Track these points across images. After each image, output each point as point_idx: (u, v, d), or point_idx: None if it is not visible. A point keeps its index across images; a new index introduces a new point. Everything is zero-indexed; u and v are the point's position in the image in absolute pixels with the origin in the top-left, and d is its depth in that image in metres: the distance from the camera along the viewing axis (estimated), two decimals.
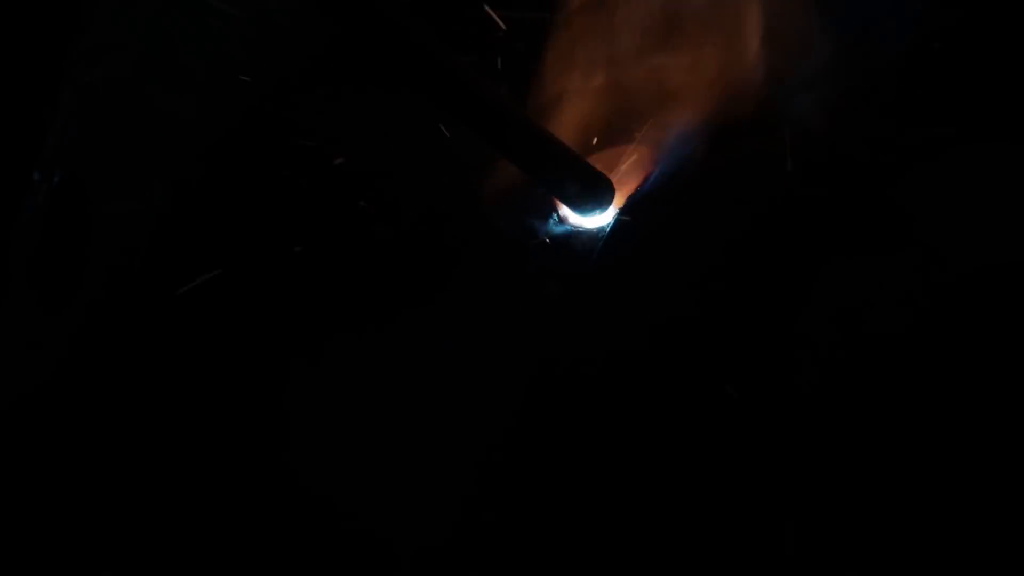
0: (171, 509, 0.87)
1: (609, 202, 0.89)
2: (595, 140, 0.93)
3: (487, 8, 0.92)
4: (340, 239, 0.92)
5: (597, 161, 0.90)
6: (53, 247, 1.09)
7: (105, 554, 0.86)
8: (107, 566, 0.86)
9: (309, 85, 0.94)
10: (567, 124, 0.91)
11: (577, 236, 0.91)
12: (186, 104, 1.00)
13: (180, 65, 1.00)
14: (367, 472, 0.86)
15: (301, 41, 0.93)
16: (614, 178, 0.90)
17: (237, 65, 0.95)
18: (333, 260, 0.92)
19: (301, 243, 0.91)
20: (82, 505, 0.88)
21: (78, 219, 1.10)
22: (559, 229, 0.91)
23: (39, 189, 1.12)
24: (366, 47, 0.76)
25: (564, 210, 0.90)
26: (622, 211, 0.91)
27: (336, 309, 0.91)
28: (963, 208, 0.83)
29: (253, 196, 0.95)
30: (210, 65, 0.97)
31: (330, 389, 0.89)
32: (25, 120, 1.10)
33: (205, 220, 0.95)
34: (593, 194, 0.87)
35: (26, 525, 0.88)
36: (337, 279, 0.92)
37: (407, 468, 0.86)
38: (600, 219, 0.90)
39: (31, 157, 1.08)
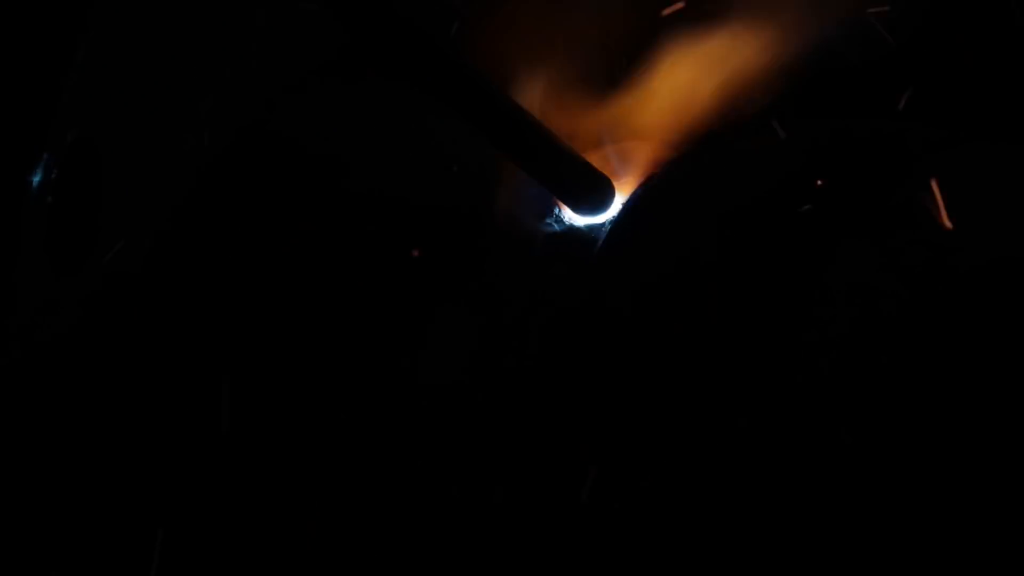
0: (174, 505, 0.88)
1: (610, 203, 0.89)
2: (598, 137, 0.91)
3: None
4: (348, 233, 0.93)
5: (601, 157, 0.91)
6: (66, 209, 1.10)
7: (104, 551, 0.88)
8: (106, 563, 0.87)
9: (320, 80, 0.94)
10: (569, 121, 0.90)
11: (579, 232, 0.91)
12: (201, 80, 1.00)
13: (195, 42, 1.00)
14: (374, 467, 0.87)
15: (314, 35, 0.93)
16: (619, 174, 0.91)
17: (252, 54, 0.95)
18: (340, 252, 0.93)
19: (311, 237, 0.92)
20: (82, 502, 0.90)
21: (91, 181, 1.11)
22: (561, 227, 0.91)
23: (54, 149, 1.13)
24: (376, 45, 0.76)
25: (566, 209, 0.90)
26: (625, 206, 0.90)
27: (342, 303, 0.91)
28: (974, 200, 0.82)
29: (259, 185, 0.95)
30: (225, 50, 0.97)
31: (336, 381, 0.90)
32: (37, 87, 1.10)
33: (213, 201, 0.96)
34: (595, 195, 0.87)
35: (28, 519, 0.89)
36: (341, 272, 0.92)
37: (413, 461, 0.87)
38: (601, 217, 0.90)
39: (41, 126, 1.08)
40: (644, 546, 0.81)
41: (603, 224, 0.90)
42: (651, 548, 0.81)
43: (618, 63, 0.93)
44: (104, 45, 1.13)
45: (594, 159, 0.91)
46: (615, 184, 0.90)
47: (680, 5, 0.92)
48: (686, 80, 0.92)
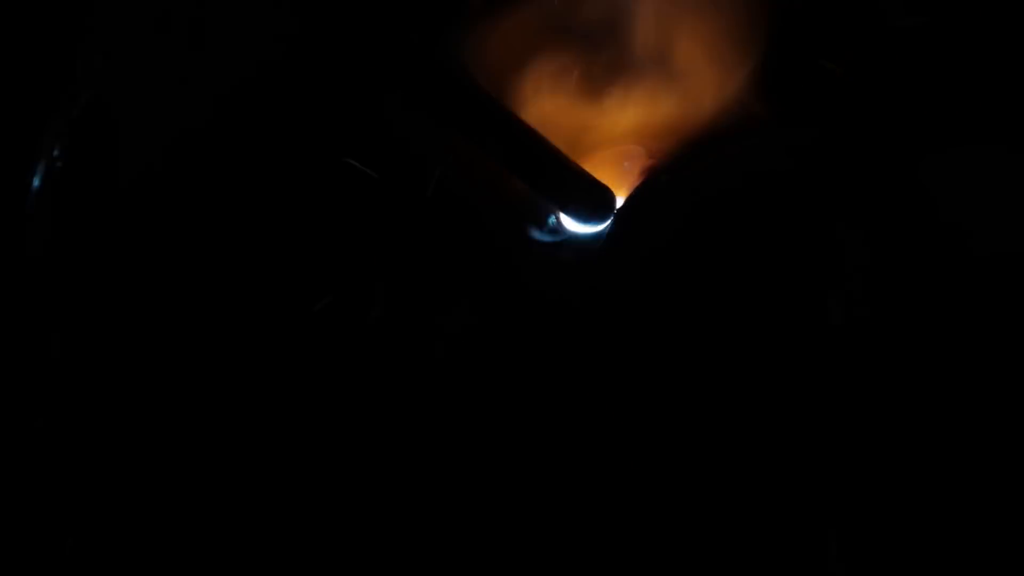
0: (174, 507, 0.90)
1: (611, 212, 0.90)
2: (596, 145, 0.93)
3: None
4: (353, 240, 0.94)
5: (599, 164, 0.92)
6: (79, 174, 1.11)
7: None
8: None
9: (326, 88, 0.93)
10: (566, 130, 0.91)
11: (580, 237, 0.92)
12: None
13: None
14: (371, 471, 0.90)
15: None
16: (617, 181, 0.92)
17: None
18: (349, 260, 0.94)
19: (312, 242, 0.93)
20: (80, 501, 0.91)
21: (104, 144, 1.11)
22: (560, 236, 0.92)
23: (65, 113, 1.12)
24: (374, 59, 0.76)
25: (564, 219, 0.91)
26: (625, 207, 0.91)
27: (345, 308, 0.93)
28: (974, 199, 0.84)
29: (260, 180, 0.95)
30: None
31: (335, 386, 0.92)
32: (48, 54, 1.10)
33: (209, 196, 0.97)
34: (596, 205, 0.88)
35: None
36: (349, 280, 0.93)
37: (411, 466, 0.89)
38: (600, 225, 0.91)
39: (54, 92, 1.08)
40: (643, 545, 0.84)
41: (602, 229, 0.92)
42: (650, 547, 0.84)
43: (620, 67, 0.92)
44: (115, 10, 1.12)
45: (595, 160, 0.91)
46: (615, 191, 0.90)
47: None
48: (685, 82, 0.92)
